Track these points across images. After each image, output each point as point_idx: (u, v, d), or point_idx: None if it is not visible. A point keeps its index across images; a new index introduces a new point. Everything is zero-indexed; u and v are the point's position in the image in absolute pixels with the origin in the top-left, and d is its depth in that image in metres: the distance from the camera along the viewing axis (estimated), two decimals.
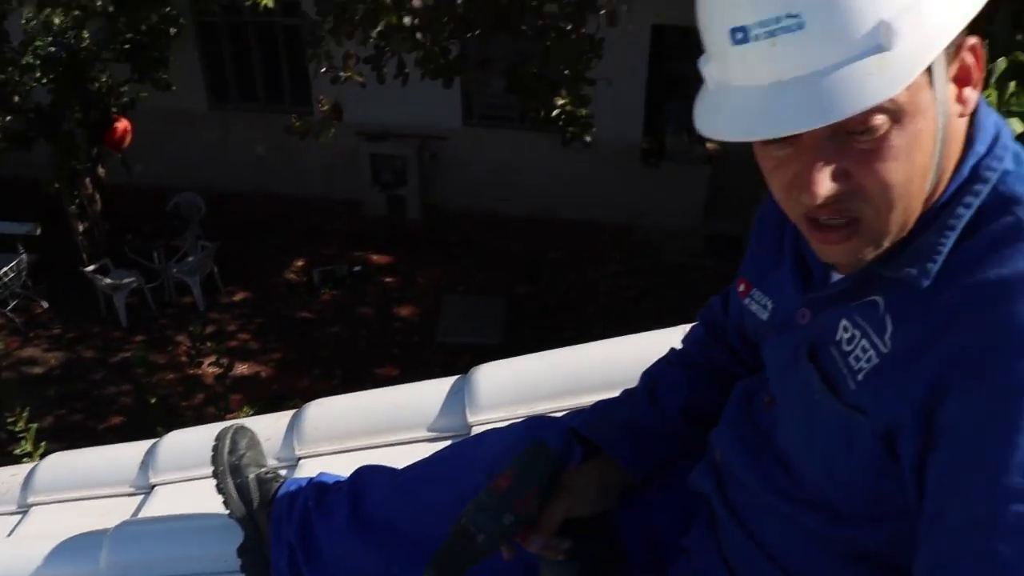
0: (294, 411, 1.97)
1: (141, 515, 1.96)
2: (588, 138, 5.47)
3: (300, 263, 10.39)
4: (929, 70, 0.80)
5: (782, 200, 0.90)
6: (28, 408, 5.43)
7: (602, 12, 5.59)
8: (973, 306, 0.82)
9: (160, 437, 2.09)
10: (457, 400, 1.80)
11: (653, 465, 1.29)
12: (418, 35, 4.47)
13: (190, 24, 9.77)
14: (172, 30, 8.80)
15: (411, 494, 1.44)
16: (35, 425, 5.16)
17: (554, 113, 5.36)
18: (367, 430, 1.87)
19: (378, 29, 4.40)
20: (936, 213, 0.88)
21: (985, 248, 0.85)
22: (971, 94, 0.87)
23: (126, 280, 9.34)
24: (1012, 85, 3.66)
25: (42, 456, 3.14)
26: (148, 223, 9.97)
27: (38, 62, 8.32)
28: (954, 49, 0.83)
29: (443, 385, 1.86)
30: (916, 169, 0.84)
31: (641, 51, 9.60)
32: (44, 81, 8.47)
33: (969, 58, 0.85)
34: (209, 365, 6.36)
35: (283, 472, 1.76)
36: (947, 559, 0.80)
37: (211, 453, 1.61)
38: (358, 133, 10.01)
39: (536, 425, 1.43)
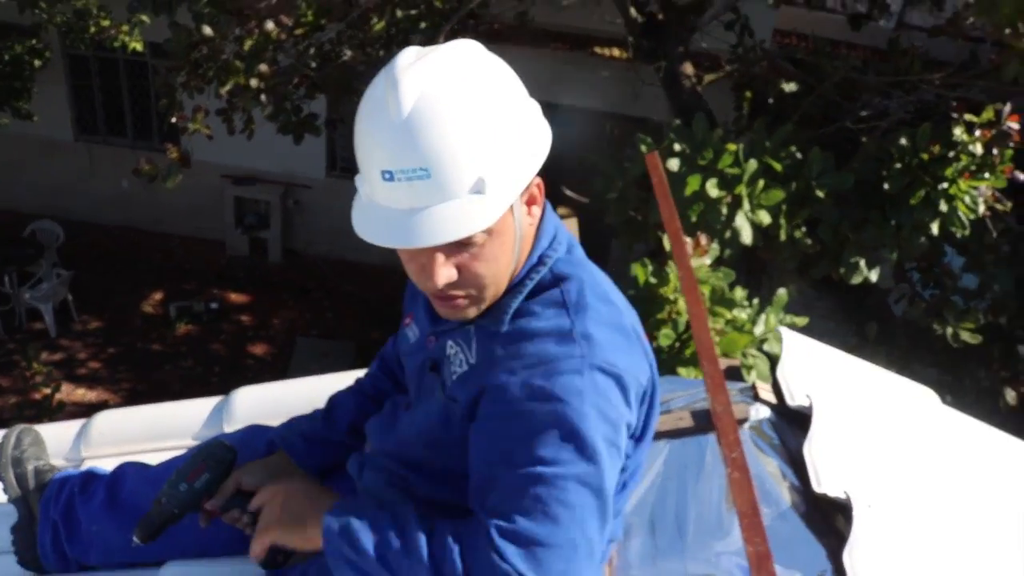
0: (84, 419, 2.35)
1: None
2: None
3: (158, 297, 10.48)
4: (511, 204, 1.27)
5: (415, 280, 1.35)
6: None
7: None
8: (522, 337, 1.31)
9: None
10: (218, 415, 2.22)
11: (322, 465, 1.76)
12: (263, 97, 4.89)
13: (59, 56, 9.88)
14: (37, 62, 8.88)
15: (155, 485, 1.84)
16: None
17: None
18: (143, 437, 2.27)
19: (227, 88, 4.80)
20: (514, 285, 1.37)
21: (537, 304, 1.35)
22: (536, 211, 1.36)
23: None
24: (761, 183, 4.36)
25: None
26: (1, 248, 9.93)
27: None
28: (525, 187, 1.30)
29: (210, 403, 2.27)
30: (502, 265, 1.32)
31: None
32: None
33: (535, 190, 1.33)
34: (39, 384, 6.47)
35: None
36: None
37: None
38: (224, 176, 10.28)
39: (252, 430, 1.87)
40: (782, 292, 3.78)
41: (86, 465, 2.22)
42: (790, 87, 6.34)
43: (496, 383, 1.30)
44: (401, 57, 1.22)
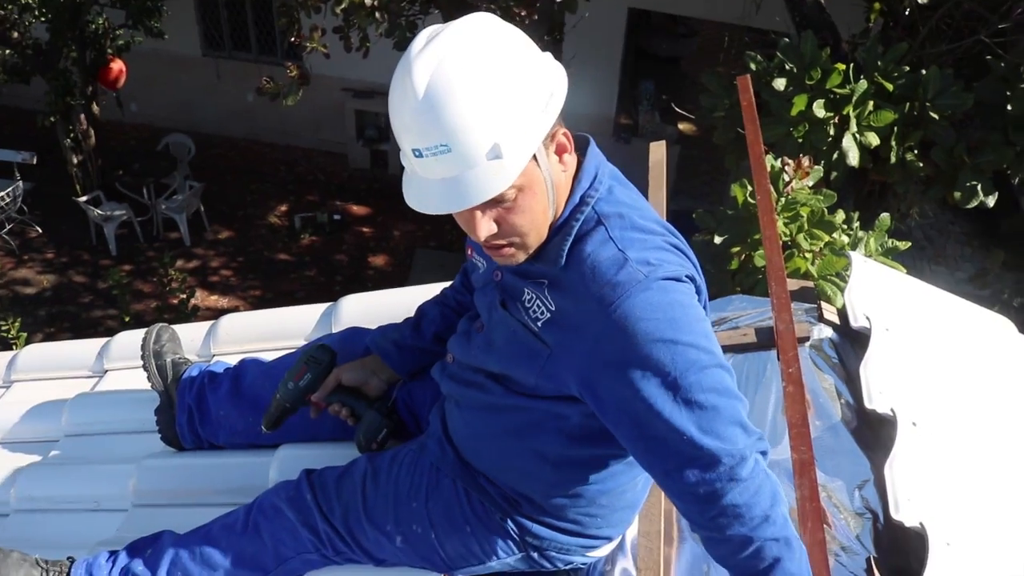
0: (213, 321, 2.61)
1: (94, 390, 2.61)
2: None
3: (283, 208, 10.93)
4: (535, 158, 1.39)
5: (467, 233, 1.49)
6: (20, 319, 6.08)
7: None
8: (585, 278, 1.44)
9: (112, 336, 2.73)
10: (327, 319, 2.45)
11: (411, 368, 1.97)
12: (376, 14, 5.03)
13: None
14: None
15: (273, 378, 2.07)
16: (25, 334, 5.82)
17: None
18: (262, 337, 2.52)
19: (343, 6, 4.97)
20: (560, 228, 1.50)
21: (588, 244, 1.47)
22: (568, 158, 1.48)
23: (117, 212, 9.89)
24: (871, 104, 4.28)
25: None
26: (139, 160, 10.42)
27: (36, 1, 8.59)
28: (549, 139, 1.42)
29: (319, 309, 2.50)
30: (537, 214, 1.45)
31: (617, 32, 10.12)
32: (42, 20, 8.78)
33: (562, 139, 1.44)
34: (173, 292, 6.92)
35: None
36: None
37: (140, 342, 2.25)
38: (344, 89, 10.54)
39: (352, 332, 2.09)
40: (884, 217, 3.75)
41: (215, 360, 2.49)
42: None
43: (582, 343, 1.43)
44: (414, 43, 1.34)
